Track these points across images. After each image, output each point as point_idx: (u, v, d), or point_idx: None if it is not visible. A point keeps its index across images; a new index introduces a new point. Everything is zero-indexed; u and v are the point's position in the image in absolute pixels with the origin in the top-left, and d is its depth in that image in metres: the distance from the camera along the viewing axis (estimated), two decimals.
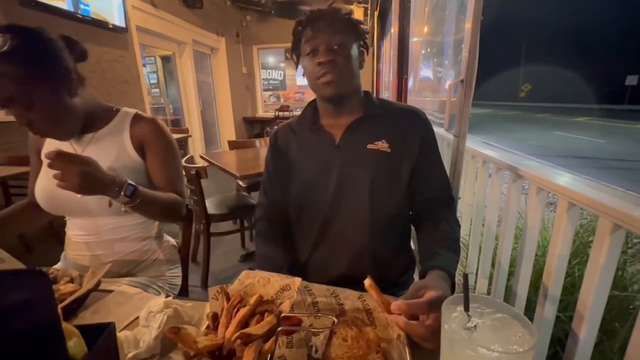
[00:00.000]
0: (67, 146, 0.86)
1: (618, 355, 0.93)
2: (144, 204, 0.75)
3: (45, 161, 0.88)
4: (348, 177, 0.75)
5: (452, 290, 0.59)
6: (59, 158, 0.61)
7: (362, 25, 0.78)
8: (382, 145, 0.75)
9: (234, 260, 2.25)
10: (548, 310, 0.76)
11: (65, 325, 0.38)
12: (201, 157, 2.42)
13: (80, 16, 2.70)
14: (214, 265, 2.03)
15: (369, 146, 0.75)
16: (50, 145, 0.89)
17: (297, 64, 0.80)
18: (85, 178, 0.62)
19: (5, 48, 0.63)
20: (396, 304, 0.47)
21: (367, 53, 0.81)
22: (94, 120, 0.85)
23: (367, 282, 0.51)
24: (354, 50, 0.74)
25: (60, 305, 0.55)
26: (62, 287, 0.62)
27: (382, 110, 0.79)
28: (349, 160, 0.75)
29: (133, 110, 0.89)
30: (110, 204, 0.71)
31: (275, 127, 0.90)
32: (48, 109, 0.71)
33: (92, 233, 0.88)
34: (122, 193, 0.69)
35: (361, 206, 0.74)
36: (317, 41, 0.72)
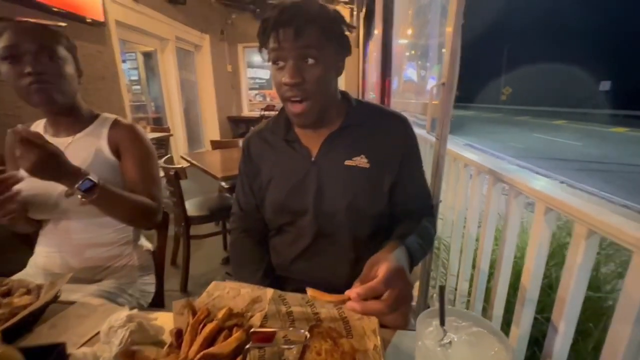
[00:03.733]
0: None
1: (592, 355, 0.95)
2: (105, 199, 0.75)
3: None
4: (326, 195, 0.71)
5: (411, 266, 0.57)
6: (28, 135, 0.63)
7: (342, 22, 0.65)
8: (361, 161, 0.70)
9: (216, 263, 2.19)
10: (526, 312, 0.77)
11: (4, 349, 0.34)
12: (182, 157, 2.35)
13: (55, 9, 2.58)
14: (195, 269, 1.97)
15: (347, 162, 0.70)
16: None
17: (268, 58, 0.67)
18: (42, 161, 0.65)
19: (58, 27, 0.82)
20: (354, 291, 0.43)
21: (350, 52, 0.69)
22: (75, 121, 0.88)
23: (309, 292, 0.46)
24: (330, 59, 0.64)
25: (10, 322, 0.51)
26: (17, 300, 0.58)
27: (362, 118, 0.73)
28: (326, 178, 0.71)
29: (113, 116, 0.92)
30: (67, 194, 0.73)
31: (247, 135, 0.83)
32: (64, 69, 0.80)
33: (64, 235, 0.86)
34: (77, 186, 0.70)
35: (341, 223, 0.71)
36: (283, 54, 0.61)
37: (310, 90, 0.62)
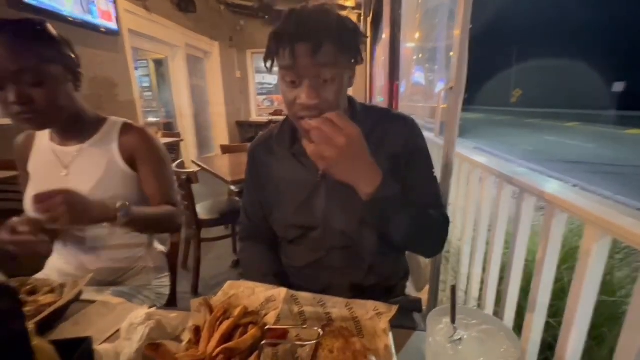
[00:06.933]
0: (53, 159, 0.84)
1: None
2: (137, 221, 0.76)
3: (32, 174, 0.87)
4: (335, 211, 0.70)
5: (378, 201, 0.57)
6: (40, 199, 0.61)
7: (359, 33, 0.61)
8: None
9: (226, 266, 2.22)
10: (537, 316, 0.77)
11: (38, 341, 0.36)
12: (193, 161, 2.40)
13: (71, 19, 2.67)
14: (205, 271, 2.00)
15: None
16: (37, 156, 0.87)
17: (270, 68, 0.63)
18: (72, 204, 0.62)
19: (37, 26, 0.71)
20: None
21: (363, 62, 0.65)
22: (82, 127, 0.84)
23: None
24: (346, 74, 0.61)
25: (38, 318, 0.53)
26: (42, 298, 0.60)
27: (368, 127, 0.67)
28: (335, 192, 0.69)
29: (121, 120, 0.87)
30: (112, 225, 0.72)
31: (252, 143, 0.81)
32: (53, 90, 0.72)
33: (80, 240, 0.87)
34: (120, 215, 0.70)
35: (354, 238, 0.71)
36: (299, 72, 0.56)
37: (325, 109, 0.58)
